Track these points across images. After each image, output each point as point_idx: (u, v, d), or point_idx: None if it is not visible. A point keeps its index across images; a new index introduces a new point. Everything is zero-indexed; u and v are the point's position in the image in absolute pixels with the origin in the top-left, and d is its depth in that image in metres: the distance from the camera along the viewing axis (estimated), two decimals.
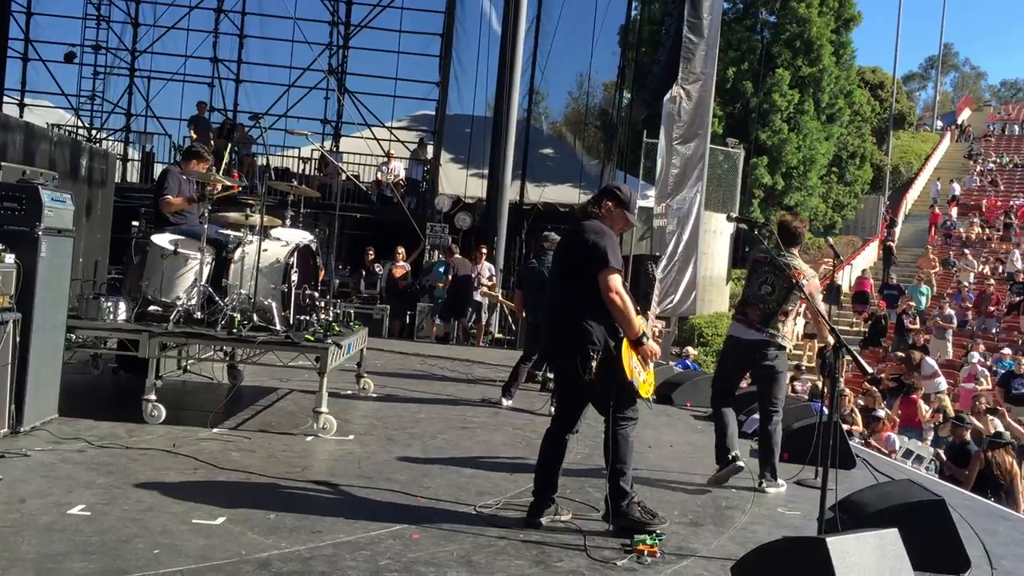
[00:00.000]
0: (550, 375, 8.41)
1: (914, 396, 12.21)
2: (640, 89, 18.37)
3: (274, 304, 6.51)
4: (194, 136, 17.17)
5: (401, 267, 15.19)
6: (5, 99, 18.69)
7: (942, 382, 14.40)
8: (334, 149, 20.46)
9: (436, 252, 15.76)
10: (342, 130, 22.13)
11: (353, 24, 21.62)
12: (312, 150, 18.24)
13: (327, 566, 3.71)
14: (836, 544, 3.49)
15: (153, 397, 6.04)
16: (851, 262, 26.58)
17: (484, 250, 14.45)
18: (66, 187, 6.37)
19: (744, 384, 7.02)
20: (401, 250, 15.34)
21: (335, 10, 21.56)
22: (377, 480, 5.12)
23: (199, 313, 6.44)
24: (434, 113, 19.80)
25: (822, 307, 5.97)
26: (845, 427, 9.04)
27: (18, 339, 5.22)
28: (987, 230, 29.79)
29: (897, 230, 31.20)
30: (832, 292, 21.25)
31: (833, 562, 3.42)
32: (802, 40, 26.93)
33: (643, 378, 4.44)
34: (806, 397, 11.91)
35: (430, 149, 19.26)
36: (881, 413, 10.88)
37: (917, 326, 19.41)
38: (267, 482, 4.91)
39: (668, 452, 6.71)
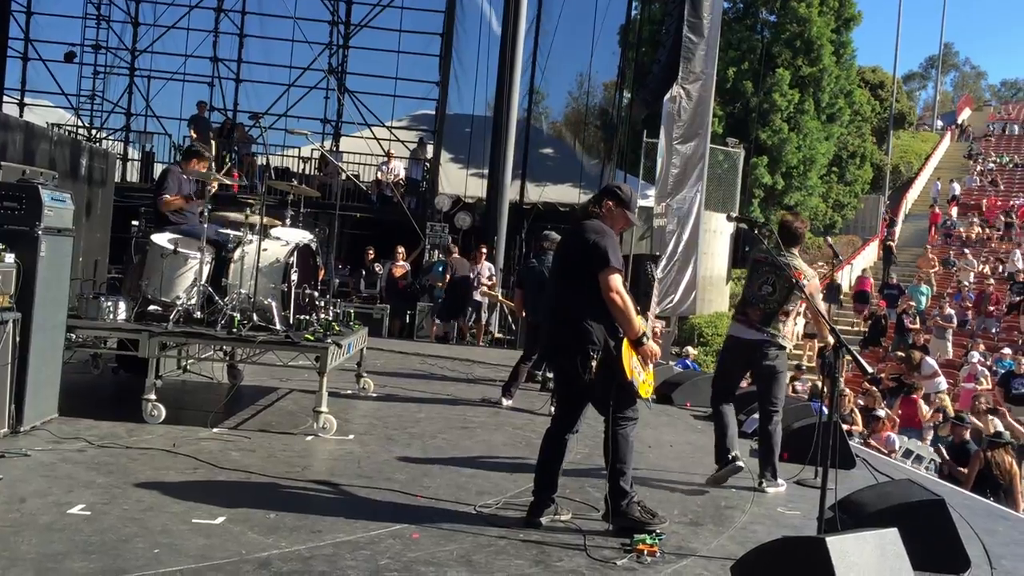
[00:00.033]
0: (550, 375, 8.40)
1: (914, 396, 12.21)
2: (640, 89, 18.37)
3: (274, 304, 6.51)
4: (194, 136, 17.17)
5: (401, 267, 15.19)
6: (5, 99, 18.70)
7: (942, 382, 14.40)
8: (334, 149, 20.46)
9: (436, 252, 15.76)
10: (342, 130, 22.15)
11: (353, 23, 21.64)
12: (312, 150, 18.23)
13: (327, 566, 3.71)
14: (836, 544, 3.49)
15: (153, 397, 6.04)
16: (851, 262, 26.59)
17: (484, 250, 14.46)
18: (66, 187, 6.37)
19: (744, 384, 7.02)
20: (401, 250, 15.34)
21: (335, 9, 21.58)
22: (377, 480, 5.12)
23: (199, 313, 6.44)
24: (434, 113, 19.80)
25: (822, 307, 5.97)
26: (845, 427, 9.04)
27: (18, 339, 5.22)
28: (987, 230, 29.80)
29: (897, 230, 31.20)
30: (832, 291, 21.31)
31: (833, 562, 3.42)
32: (802, 40, 26.94)
33: (643, 378, 4.44)
34: (806, 397, 11.90)
35: (430, 149, 19.25)
36: (881, 413, 10.89)
37: (917, 326, 19.41)
38: (267, 482, 4.91)
39: (668, 452, 6.71)
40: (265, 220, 6.82)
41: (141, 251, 7.00)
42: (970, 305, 21.25)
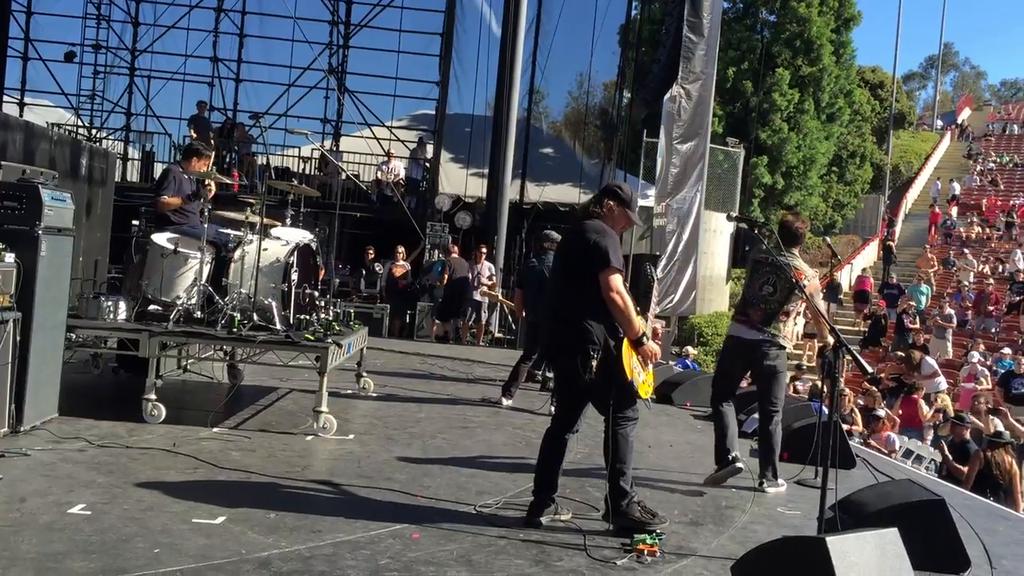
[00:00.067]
0: (550, 374, 8.41)
1: (915, 396, 12.21)
2: (640, 89, 18.38)
3: (274, 303, 6.51)
4: (194, 135, 17.18)
5: (401, 266, 15.19)
6: (5, 98, 18.68)
7: (942, 382, 14.40)
8: (334, 148, 20.46)
9: (436, 251, 15.77)
10: (342, 129, 22.17)
11: (353, 23, 21.65)
12: (312, 149, 18.23)
13: (327, 565, 3.71)
14: (836, 544, 3.49)
15: (153, 396, 6.04)
16: (851, 261, 26.60)
17: (484, 249, 14.46)
18: (66, 186, 6.37)
19: (744, 384, 7.02)
20: (401, 249, 15.35)
21: (335, 9, 21.59)
22: (377, 480, 5.12)
23: (199, 312, 6.44)
24: (434, 112, 19.80)
25: (822, 307, 5.97)
26: (845, 427, 9.04)
27: (18, 338, 5.22)
28: (987, 229, 29.81)
29: (897, 229, 31.21)
30: (832, 291, 21.32)
31: (833, 562, 3.42)
32: (802, 40, 26.94)
33: (643, 378, 4.44)
34: (806, 397, 11.90)
35: (430, 148, 19.25)
36: (881, 413, 10.89)
37: (917, 326, 19.42)
38: (267, 481, 4.91)
39: (668, 452, 6.71)
40: (265, 220, 6.82)
41: (141, 251, 7.00)
42: (970, 305, 21.25)
